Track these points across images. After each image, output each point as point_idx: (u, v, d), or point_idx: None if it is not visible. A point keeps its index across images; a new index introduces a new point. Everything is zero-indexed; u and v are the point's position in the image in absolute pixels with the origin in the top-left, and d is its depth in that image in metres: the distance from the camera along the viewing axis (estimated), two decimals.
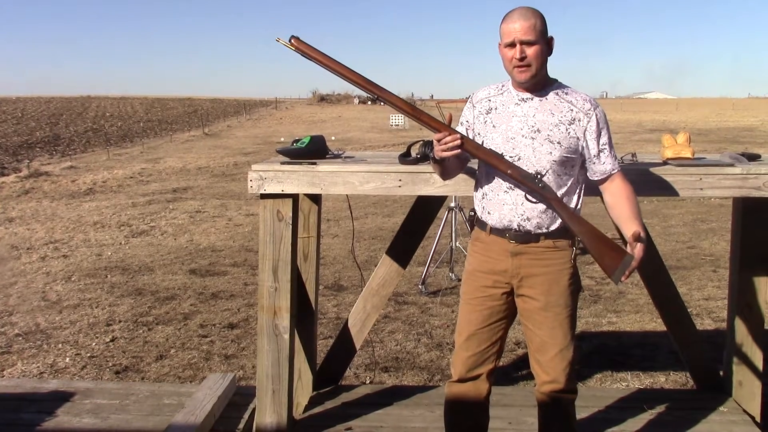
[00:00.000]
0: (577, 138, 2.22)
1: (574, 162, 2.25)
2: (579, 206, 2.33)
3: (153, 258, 6.72)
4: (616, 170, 2.27)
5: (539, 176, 2.17)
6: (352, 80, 2.15)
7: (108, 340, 4.46)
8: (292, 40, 2.12)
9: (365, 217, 8.96)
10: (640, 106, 65.42)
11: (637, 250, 2.14)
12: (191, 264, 6.48)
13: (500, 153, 2.26)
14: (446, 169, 2.34)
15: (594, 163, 2.25)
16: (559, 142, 2.21)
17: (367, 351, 4.15)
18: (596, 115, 2.22)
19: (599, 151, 2.24)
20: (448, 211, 5.88)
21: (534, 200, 2.20)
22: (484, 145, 2.27)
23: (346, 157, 2.95)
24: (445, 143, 2.13)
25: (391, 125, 29.24)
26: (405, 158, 2.67)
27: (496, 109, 2.29)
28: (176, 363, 4.09)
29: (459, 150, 2.13)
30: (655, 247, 3.04)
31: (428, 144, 2.61)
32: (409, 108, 2.20)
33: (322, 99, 67.55)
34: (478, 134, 2.31)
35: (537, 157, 2.21)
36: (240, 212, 9.37)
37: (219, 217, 8.98)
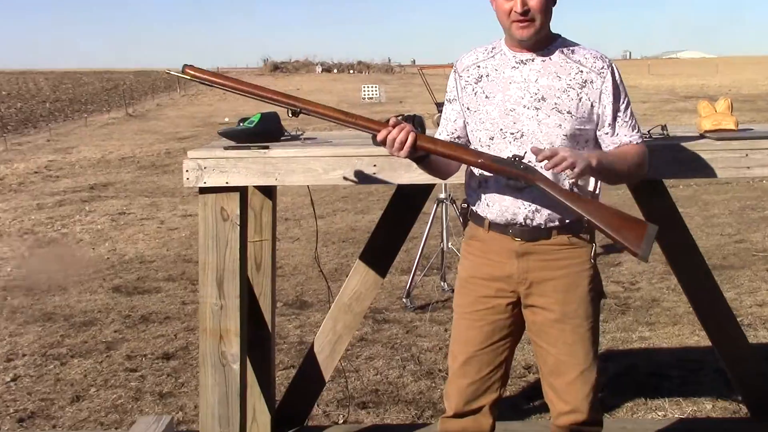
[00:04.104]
0: (591, 105, 2.27)
1: (588, 135, 2.29)
2: (598, 191, 2.37)
3: (66, 273, 6.65)
4: (634, 142, 2.29)
5: (517, 158, 2.23)
6: (266, 98, 2.29)
7: (8, 379, 4.40)
8: (186, 70, 2.30)
9: (333, 214, 8.94)
10: (671, 67, 66.45)
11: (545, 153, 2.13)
12: (114, 279, 6.43)
13: (464, 143, 2.38)
14: (436, 166, 2.37)
15: (607, 134, 2.31)
16: (569, 112, 2.25)
17: (339, 383, 4.14)
18: (612, 73, 2.26)
19: (613, 119, 2.28)
20: (437, 204, 5.84)
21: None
22: (480, 123, 2.33)
23: (306, 139, 2.96)
24: (392, 139, 2.18)
25: (364, 98, 29.26)
26: None
27: (487, 75, 2.33)
28: (97, 405, 4.05)
29: (411, 147, 2.19)
30: (693, 242, 3.06)
31: (411, 120, 2.65)
32: (341, 114, 2.27)
33: (276, 68, 67.49)
34: (468, 109, 2.36)
35: (544, 132, 2.25)
36: (175, 213, 9.33)
37: (148, 220, 8.93)
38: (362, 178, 2.70)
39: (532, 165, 2.24)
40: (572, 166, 2.11)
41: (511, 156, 2.24)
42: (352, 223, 8.45)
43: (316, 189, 10.52)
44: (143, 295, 5.98)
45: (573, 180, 2.18)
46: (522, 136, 2.26)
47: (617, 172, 2.27)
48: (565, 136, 2.24)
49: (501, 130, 2.29)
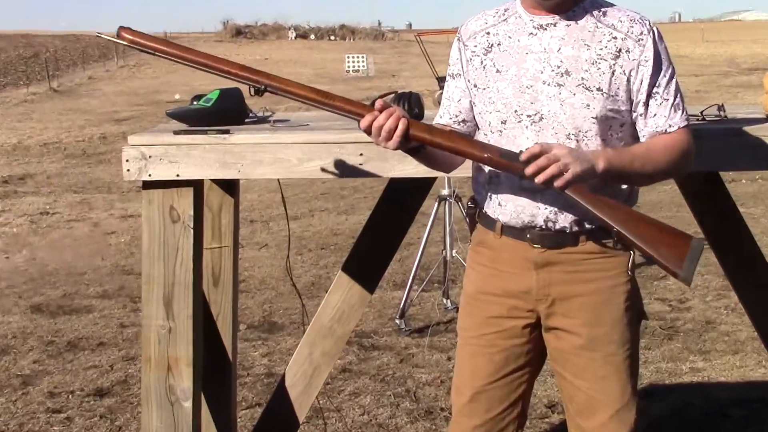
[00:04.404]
0: (627, 79, 2.26)
1: (624, 118, 2.30)
2: (633, 192, 2.39)
3: None
4: (674, 128, 2.29)
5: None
6: (221, 71, 2.29)
7: None
8: (123, 34, 2.32)
9: (310, 215, 8.96)
10: (732, 32, 66.22)
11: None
12: (34, 297, 6.40)
13: (467, 133, 2.40)
14: (435, 157, 2.39)
15: (641, 116, 2.30)
16: (599, 89, 2.24)
17: (317, 425, 4.13)
18: (652, 40, 2.27)
19: (648, 96, 2.28)
20: (439, 203, 5.83)
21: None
22: (489, 103, 2.34)
23: (276, 122, 2.97)
24: (378, 127, 2.19)
25: (348, 71, 29.30)
26: None
27: (499, 44, 2.34)
28: None
29: (401, 138, 2.20)
30: (758, 250, 3.09)
31: (406, 99, 2.67)
32: (315, 94, 2.28)
33: (239, 33, 67.23)
34: (476, 87, 2.37)
35: (568, 115, 2.26)
36: (112, 213, 9.32)
37: (78, 222, 8.93)
38: (346, 170, 2.70)
39: None
40: (562, 171, 2.11)
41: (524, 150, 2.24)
42: (333, 226, 8.46)
43: (289, 184, 10.50)
44: (70, 316, 5.95)
45: (560, 188, 2.15)
46: (541, 119, 2.26)
47: (640, 174, 2.26)
48: (595, 119, 2.24)
49: (515, 112, 2.29)
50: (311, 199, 9.63)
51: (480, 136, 2.41)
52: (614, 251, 2.34)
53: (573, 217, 2.30)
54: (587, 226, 2.31)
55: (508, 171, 2.25)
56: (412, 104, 2.70)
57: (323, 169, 2.72)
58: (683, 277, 2.20)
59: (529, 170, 2.13)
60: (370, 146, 2.66)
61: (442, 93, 2.57)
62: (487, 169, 2.38)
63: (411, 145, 2.26)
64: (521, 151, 2.19)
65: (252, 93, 2.30)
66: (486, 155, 2.24)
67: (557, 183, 2.13)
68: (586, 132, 2.25)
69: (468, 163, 2.54)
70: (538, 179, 2.13)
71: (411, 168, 2.66)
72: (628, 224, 2.23)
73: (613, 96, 2.25)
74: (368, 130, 2.22)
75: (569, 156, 2.12)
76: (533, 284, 2.35)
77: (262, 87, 2.26)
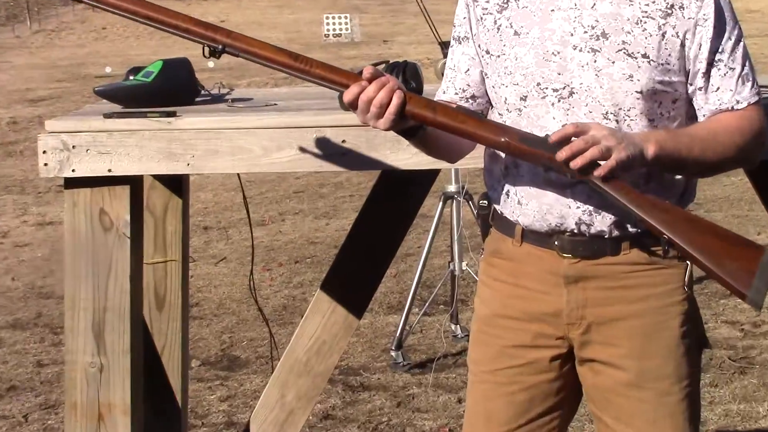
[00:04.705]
0: (681, 43, 2.26)
1: (677, 92, 2.31)
2: (691, 189, 2.40)
3: None
4: (743, 104, 2.30)
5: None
6: (166, 25, 2.28)
7: None
8: None
9: (280, 219, 9.00)
10: None
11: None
12: None
13: (481, 108, 2.43)
14: (437, 142, 2.41)
15: (700, 90, 2.30)
16: (645, 55, 2.24)
17: None
18: None
19: (708, 66, 2.28)
20: (444, 202, 5.86)
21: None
22: (505, 74, 2.34)
23: (236, 100, 3.00)
24: (366, 101, 2.18)
25: (327, 35, 29.29)
26: None
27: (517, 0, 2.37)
28: None
29: (396, 115, 2.19)
30: None
31: (400, 68, 2.67)
32: (286, 57, 2.27)
33: None
34: (488, 53, 2.39)
35: (606, 88, 2.26)
36: (25, 219, 9.34)
37: None
38: (325, 161, 2.72)
39: None
40: (603, 156, 2.12)
41: (551, 134, 2.22)
42: (310, 234, 8.50)
43: (254, 180, 10.45)
44: None
45: (601, 178, 2.16)
46: (571, 94, 2.26)
47: (700, 162, 2.27)
48: (639, 93, 2.24)
49: (538, 85, 2.29)
50: (281, 200, 9.64)
51: (494, 117, 2.41)
52: (666, 261, 2.33)
53: (613, 217, 2.29)
54: (631, 229, 2.31)
55: (531, 160, 2.25)
56: (407, 76, 2.71)
57: (296, 162, 2.72)
58: (752, 299, 2.18)
59: (562, 155, 2.13)
60: (357, 130, 2.69)
61: (445, 62, 2.57)
62: (503, 157, 2.38)
63: (408, 125, 2.26)
64: (548, 135, 2.19)
65: (207, 55, 2.28)
66: (503, 139, 2.23)
67: (597, 172, 2.13)
68: (628, 110, 2.24)
69: (479, 151, 2.53)
70: (573, 164, 2.12)
71: (408, 157, 2.68)
72: (681, 230, 2.22)
73: (662, 64, 2.24)
74: (354, 105, 2.20)
75: (611, 138, 2.13)
76: (563, 304, 2.35)
77: (220, 47, 2.24)
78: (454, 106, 2.37)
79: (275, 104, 2.93)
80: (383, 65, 2.73)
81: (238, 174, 2.88)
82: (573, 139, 2.15)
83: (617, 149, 2.12)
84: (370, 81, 2.19)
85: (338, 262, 3.27)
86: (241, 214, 8.75)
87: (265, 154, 2.71)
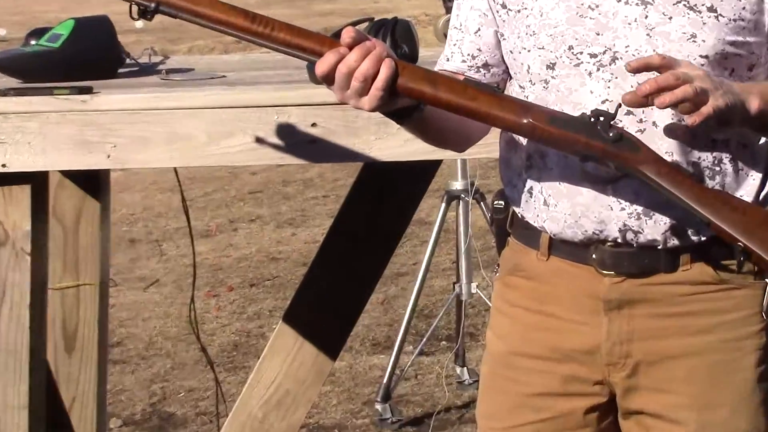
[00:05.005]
0: None
1: (753, 56, 2.27)
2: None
3: None
4: None
5: (603, 116, 2.18)
6: None
7: None
8: None
9: (231, 228, 9.16)
10: None
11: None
12: None
13: (495, 85, 2.38)
14: (439, 125, 2.36)
15: None
16: (712, 9, 2.20)
17: None
18: None
19: None
20: (447, 204, 5.86)
21: (614, 172, 2.26)
22: (527, 35, 2.31)
23: (171, 72, 3.02)
24: (346, 73, 2.13)
25: None
26: None
27: None
28: None
29: (384, 90, 2.13)
30: None
31: (387, 27, 2.70)
32: (243, 18, 2.18)
33: None
34: (505, 7, 2.37)
35: (662, 50, 2.21)
36: None
37: None
38: (290, 151, 2.75)
39: (635, 126, 2.20)
40: (697, 99, 2.06)
41: (590, 113, 2.18)
42: (269, 247, 8.61)
43: (196, 176, 10.51)
44: None
45: (694, 123, 2.12)
46: (614, 60, 2.21)
47: None
48: (705, 58, 2.20)
49: (570, 49, 2.24)
50: (233, 203, 9.79)
51: (513, 91, 2.36)
52: (740, 280, 2.29)
53: (669, 221, 2.25)
54: (693, 237, 2.27)
55: (562, 147, 2.21)
56: (398, 39, 2.74)
57: (252, 151, 2.75)
58: None
59: (645, 87, 2.07)
60: (331, 111, 2.70)
61: (449, 20, 2.56)
62: (525, 144, 2.34)
63: (400, 104, 2.17)
64: (585, 114, 2.18)
65: (135, 16, 2.21)
66: (525, 120, 2.18)
67: (690, 119, 2.08)
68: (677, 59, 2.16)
69: (493, 136, 2.49)
70: (660, 101, 2.06)
71: (399, 145, 2.70)
72: (762, 237, 2.21)
73: (734, 20, 2.21)
74: (329, 78, 2.10)
75: (707, 80, 2.07)
76: (603, 338, 2.31)
77: (152, 4, 2.15)
78: (461, 78, 2.31)
79: (224, 76, 2.92)
80: (366, 24, 2.76)
81: (175, 169, 2.80)
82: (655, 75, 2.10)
83: (714, 95, 2.08)
84: (350, 47, 2.11)
85: (307, 284, 3.25)
86: (179, 223, 8.83)
87: (210, 141, 2.71)
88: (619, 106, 2.16)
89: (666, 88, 2.04)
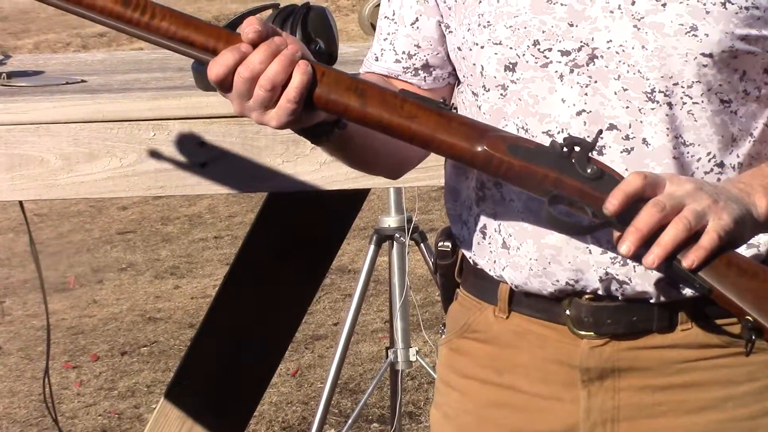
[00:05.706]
0: None
1: (757, 57, 2.10)
2: None
3: None
4: None
5: (578, 146, 1.97)
6: None
7: None
8: None
9: (96, 280, 8.80)
10: None
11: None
12: None
13: (440, 99, 2.11)
14: (363, 145, 2.19)
15: None
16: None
17: None
18: None
19: None
20: (376, 246, 5.54)
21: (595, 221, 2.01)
22: (479, 27, 2.14)
23: (12, 75, 3.03)
24: (249, 78, 1.94)
25: None
26: None
27: None
28: None
29: (296, 102, 1.94)
30: None
31: (297, 16, 2.59)
32: (121, 4, 1.92)
33: None
34: (449, 7, 2.23)
35: (653, 49, 2.06)
36: None
37: None
38: (172, 179, 2.65)
39: (620, 145, 2.05)
40: (698, 232, 1.92)
41: (563, 141, 2.00)
42: (145, 304, 8.27)
43: (48, 212, 10.42)
44: None
45: (693, 267, 1.96)
46: (592, 59, 2.06)
47: None
48: (709, 56, 2.04)
49: (536, 44, 2.08)
50: (97, 246, 9.47)
51: (463, 101, 2.20)
52: (743, 343, 2.02)
53: (661, 275, 2.06)
54: (690, 291, 2.08)
55: (527, 185, 2.00)
56: (310, 31, 2.61)
57: (121, 179, 2.65)
58: None
59: (628, 249, 1.90)
60: (226, 126, 2.65)
61: (378, 6, 2.46)
62: (476, 174, 2.18)
63: (316, 120, 2.00)
64: (555, 141, 2.00)
65: None
66: (480, 148, 1.96)
67: (686, 262, 1.90)
68: (688, 87, 2.04)
69: (436, 159, 2.27)
70: (649, 262, 1.88)
71: (314, 169, 2.64)
72: (757, 297, 2.03)
73: (747, 9, 2.05)
74: (225, 84, 1.91)
75: (701, 194, 1.91)
76: (580, 417, 2.16)
77: None
78: (397, 88, 2.15)
79: (83, 81, 2.81)
80: (270, 12, 2.66)
81: (20, 202, 2.63)
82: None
83: (715, 212, 1.94)
84: (254, 43, 1.95)
85: (195, 351, 3.17)
86: (26, 273, 8.54)
87: (66, 167, 2.58)
88: (600, 132, 2.04)
89: (650, 231, 1.92)
